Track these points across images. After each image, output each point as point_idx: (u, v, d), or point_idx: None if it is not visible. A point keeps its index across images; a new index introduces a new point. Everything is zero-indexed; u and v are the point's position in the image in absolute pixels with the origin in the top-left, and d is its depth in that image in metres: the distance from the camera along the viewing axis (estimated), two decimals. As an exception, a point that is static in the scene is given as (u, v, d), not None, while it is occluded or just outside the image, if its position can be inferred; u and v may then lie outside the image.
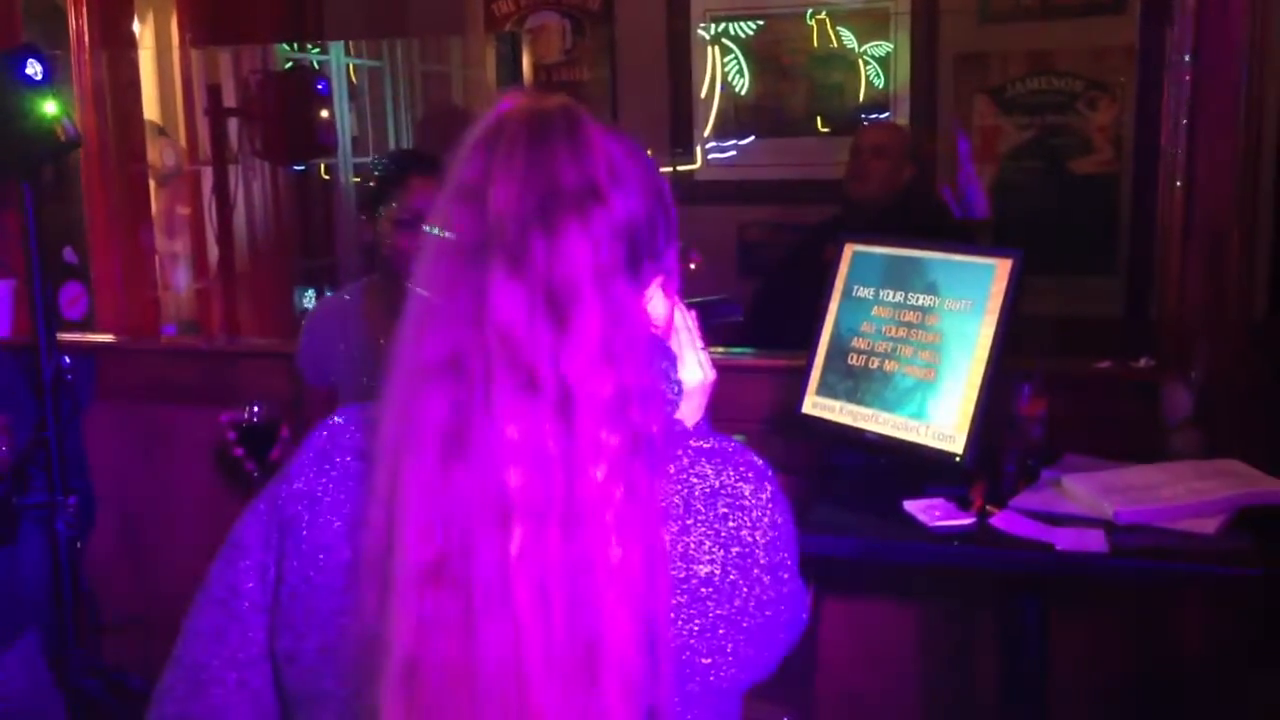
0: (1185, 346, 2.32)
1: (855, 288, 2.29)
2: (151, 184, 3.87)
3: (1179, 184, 2.37)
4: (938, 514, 1.95)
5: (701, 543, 0.97)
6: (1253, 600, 2.28)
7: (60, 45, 3.42)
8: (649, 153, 1.08)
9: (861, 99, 4.44)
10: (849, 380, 2.23)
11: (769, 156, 4.56)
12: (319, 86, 3.80)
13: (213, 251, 4.03)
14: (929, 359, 2.12)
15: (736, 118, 4.61)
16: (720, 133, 4.62)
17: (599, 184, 0.94)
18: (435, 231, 0.96)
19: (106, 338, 3.36)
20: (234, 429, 2.22)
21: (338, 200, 4.38)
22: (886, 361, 2.18)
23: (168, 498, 3.03)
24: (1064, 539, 1.84)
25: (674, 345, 1.14)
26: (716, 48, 4.58)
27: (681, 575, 0.96)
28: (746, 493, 1.00)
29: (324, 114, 3.80)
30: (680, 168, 4.60)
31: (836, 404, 2.24)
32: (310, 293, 4.27)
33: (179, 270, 4.21)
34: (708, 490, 0.99)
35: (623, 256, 0.96)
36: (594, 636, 0.88)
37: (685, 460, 1.00)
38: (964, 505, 1.97)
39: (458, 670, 0.87)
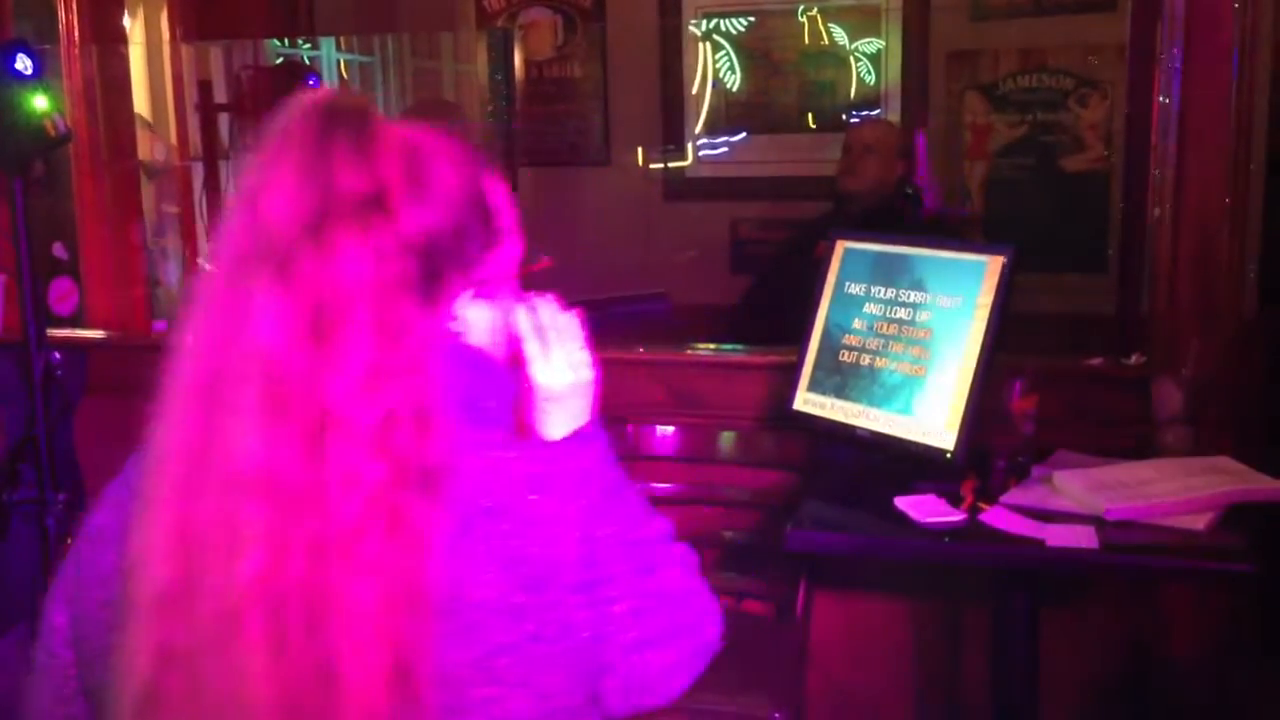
0: (1176, 343, 2.33)
1: (846, 284, 2.29)
2: (142, 179, 3.85)
3: (1169, 181, 2.38)
4: (929, 510, 1.95)
5: (474, 564, 0.92)
6: (1242, 597, 2.29)
7: (50, 40, 3.41)
8: (474, 155, 1.04)
9: (852, 96, 4.44)
10: (840, 377, 2.23)
11: (761, 153, 4.56)
12: (310, 81, 3.79)
13: (204, 247, 4.02)
14: (920, 355, 2.12)
15: (728, 114, 4.61)
16: (712, 129, 4.61)
17: (386, 192, 0.89)
18: (213, 241, 0.92)
19: (97, 334, 3.35)
20: None
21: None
22: (878, 358, 2.18)
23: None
24: (1055, 535, 1.84)
25: (532, 350, 1.09)
26: (708, 44, 4.57)
27: (450, 600, 0.91)
28: (543, 507, 0.95)
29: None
30: (672, 164, 4.60)
31: (828, 400, 2.24)
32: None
33: (169, 266, 4.20)
34: (490, 507, 0.94)
35: (415, 270, 0.91)
36: (329, 672, 0.84)
37: (474, 478, 0.95)
38: (955, 502, 1.97)
39: (187, 702, 0.85)
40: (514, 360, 1.10)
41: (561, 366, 1.10)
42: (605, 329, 1.26)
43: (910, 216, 3.37)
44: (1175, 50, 2.33)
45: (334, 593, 0.85)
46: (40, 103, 2.53)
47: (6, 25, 3.33)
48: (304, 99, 0.93)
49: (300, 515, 0.85)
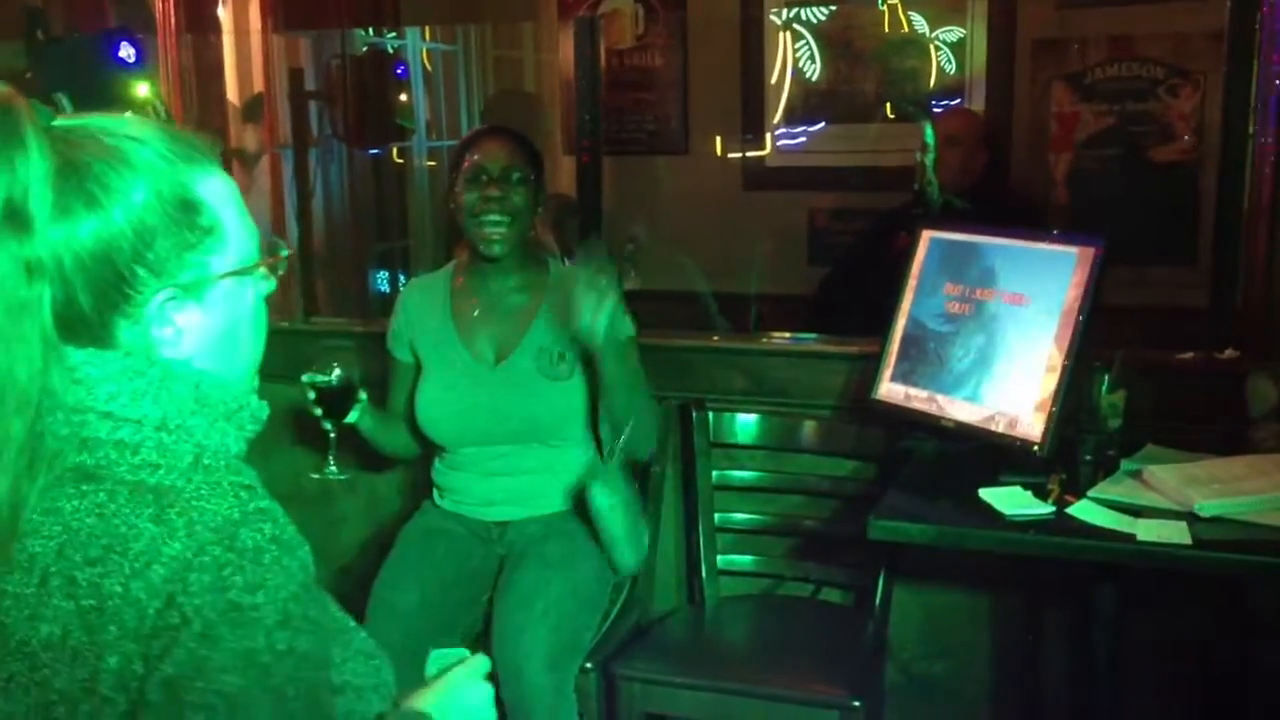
0: (1270, 338, 2.28)
1: (932, 274, 2.28)
2: (235, 166, 3.95)
3: (1266, 172, 2.33)
4: (1015, 502, 1.94)
5: (50, 596, 0.85)
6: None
7: (145, 30, 3.50)
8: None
9: (933, 85, 4.40)
10: (925, 366, 2.22)
11: (839, 143, 4.53)
12: (398, 70, 3.85)
13: (291, 232, 4.10)
14: (1007, 348, 2.11)
15: (806, 103, 4.59)
16: (790, 119, 4.60)
17: (18, 202, 0.84)
18: None
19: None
20: (313, 388, 2.28)
21: (411, 184, 4.44)
22: (963, 349, 2.17)
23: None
24: (1145, 530, 1.82)
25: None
26: (788, 33, 4.56)
27: (23, 636, 0.86)
28: (144, 538, 0.86)
29: (403, 98, 3.85)
30: (750, 153, 4.59)
31: (911, 390, 2.23)
32: (384, 275, 4.33)
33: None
34: (94, 531, 0.87)
35: (74, 280, 0.89)
36: None
37: (95, 498, 0.89)
38: (1041, 494, 1.96)
39: None
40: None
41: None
42: None
43: (1003, 210, 3.33)
44: (1275, 39, 2.28)
45: None
46: (142, 90, 2.61)
47: (105, 14, 3.43)
48: None
49: None
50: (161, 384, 0.95)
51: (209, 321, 0.98)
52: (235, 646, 0.84)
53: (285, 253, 1.06)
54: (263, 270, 1.03)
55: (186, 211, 0.95)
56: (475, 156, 2.34)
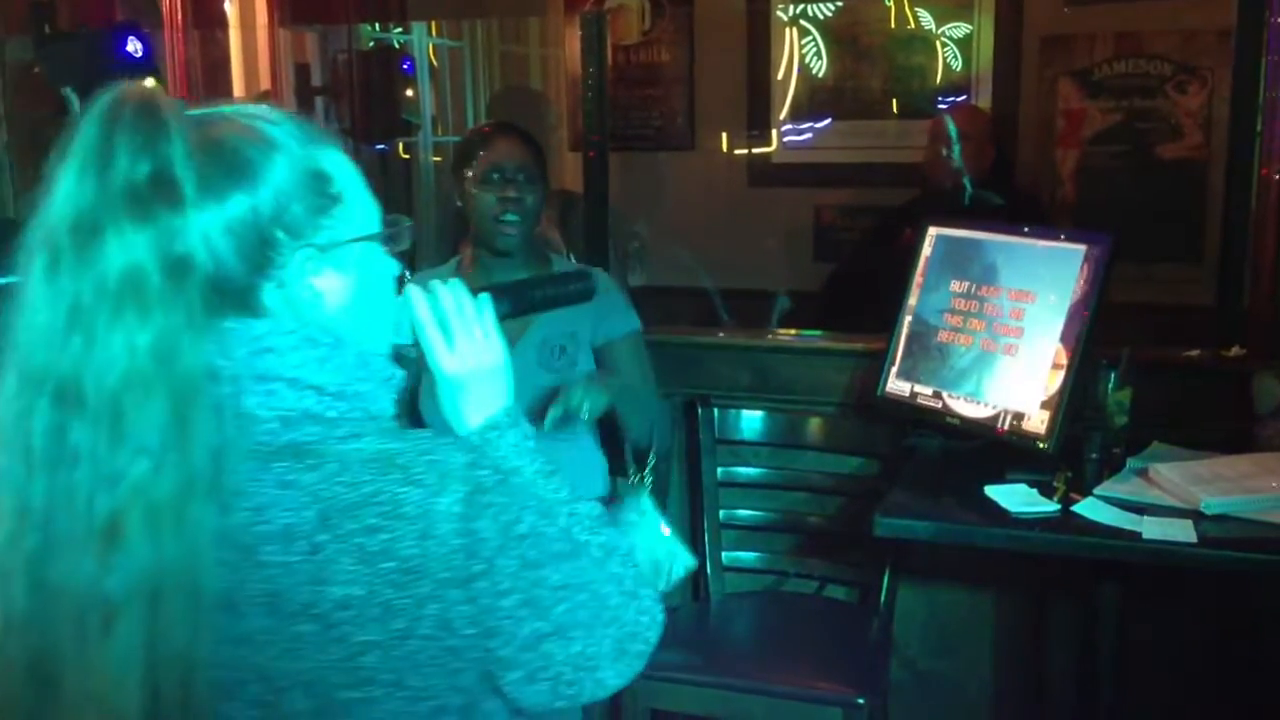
0: (1277, 336, 2.28)
1: (937, 271, 2.28)
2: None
3: (1274, 170, 2.32)
4: (1020, 500, 1.94)
5: (335, 561, 0.91)
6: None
7: (151, 26, 3.51)
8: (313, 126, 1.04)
9: (939, 81, 4.39)
10: (931, 364, 2.22)
11: (845, 139, 4.52)
12: (405, 66, 3.85)
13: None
14: (1012, 344, 2.11)
15: (813, 100, 4.58)
16: (796, 115, 4.59)
17: (169, 179, 0.89)
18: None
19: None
20: None
21: (417, 179, 4.44)
22: (969, 346, 2.17)
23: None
24: (1151, 528, 1.82)
25: (431, 336, 1.07)
26: (794, 29, 4.55)
27: (308, 600, 0.91)
28: (413, 499, 0.93)
29: (409, 93, 3.84)
30: (756, 150, 4.59)
31: (917, 387, 2.23)
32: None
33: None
34: (354, 501, 0.92)
35: (224, 248, 0.94)
36: (159, 667, 0.85)
37: (330, 469, 0.94)
38: (1047, 492, 1.96)
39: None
40: (413, 346, 1.08)
41: (465, 353, 1.08)
42: (523, 311, 1.24)
43: (1009, 207, 3.32)
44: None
45: (79, 587, 0.86)
46: (149, 85, 2.61)
47: (113, 9, 3.44)
48: (101, 94, 0.93)
49: (70, 503, 0.86)
50: (333, 350, 1.00)
51: (344, 285, 1.03)
52: (545, 563, 0.97)
53: (408, 222, 1.11)
54: (387, 236, 1.08)
55: (318, 180, 1.01)
56: (490, 155, 2.33)
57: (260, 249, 0.97)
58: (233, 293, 0.97)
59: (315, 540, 0.92)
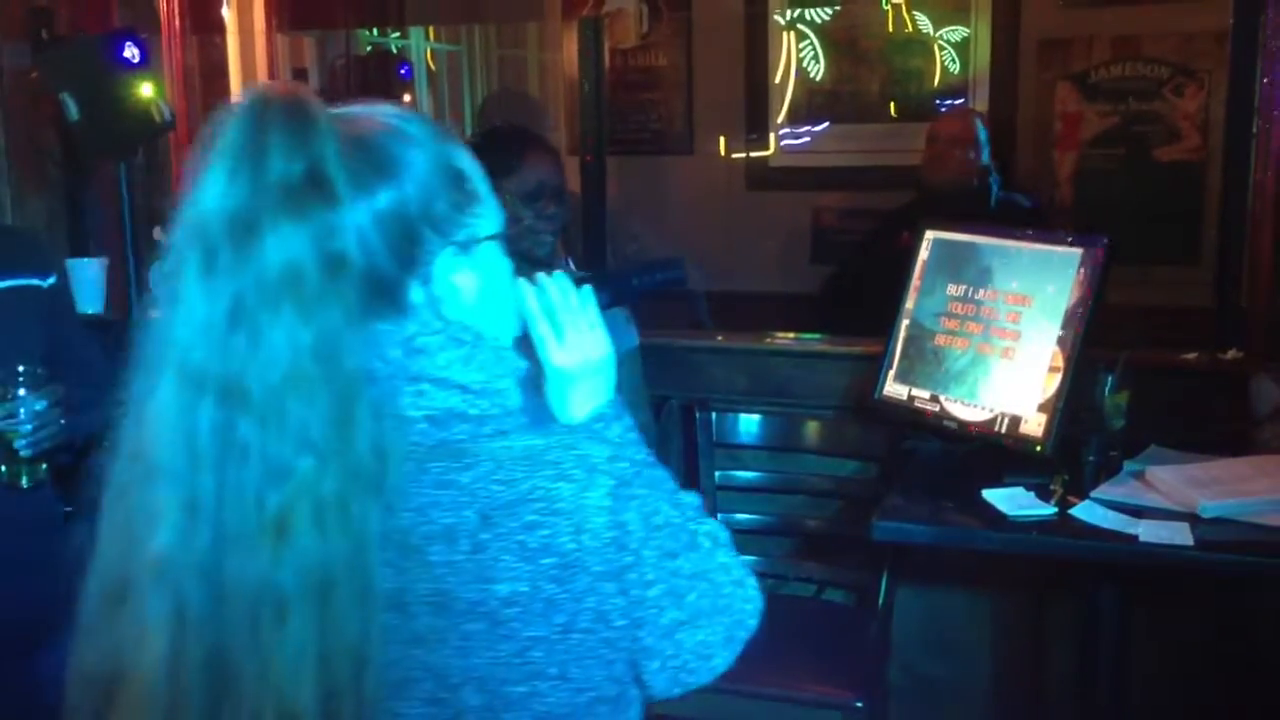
0: (1274, 338, 2.28)
1: (934, 274, 2.28)
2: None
3: (1270, 172, 2.32)
4: (1018, 503, 1.94)
5: (498, 559, 0.92)
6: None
7: (150, 29, 3.51)
8: (442, 124, 1.06)
9: (937, 84, 4.39)
10: (928, 367, 2.22)
11: (843, 143, 4.53)
12: (402, 70, 3.85)
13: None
14: (1010, 348, 2.11)
15: (811, 103, 4.58)
16: (794, 118, 4.59)
17: (323, 176, 0.89)
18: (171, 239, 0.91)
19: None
20: None
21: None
22: (966, 350, 2.17)
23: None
24: (1148, 531, 1.82)
25: (541, 330, 1.06)
26: (792, 33, 4.55)
27: (475, 598, 0.92)
28: (565, 495, 0.94)
29: (407, 98, 3.85)
30: (754, 153, 4.59)
31: (915, 391, 2.23)
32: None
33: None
34: (511, 499, 0.94)
35: (377, 245, 0.94)
36: (331, 663, 0.86)
37: (485, 467, 0.95)
38: (1045, 495, 1.96)
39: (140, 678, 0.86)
40: (526, 339, 1.08)
41: (575, 346, 1.07)
42: (621, 301, 1.23)
43: (1006, 210, 3.33)
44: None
45: (252, 580, 0.86)
46: (146, 90, 2.61)
47: (111, 15, 3.44)
48: (245, 93, 0.95)
49: (237, 501, 0.86)
50: (474, 348, 1.01)
51: (477, 283, 1.05)
52: (680, 552, 0.99)
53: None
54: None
55: (456, 177, 1.03)
56: (536, 172, 2.31)
57: (408, 245, 0.99)
58: (383, 290, 0.99)
59: (478, 539, 0.93)
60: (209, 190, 0.89)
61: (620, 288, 1.24)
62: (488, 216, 1.06)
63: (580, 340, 1.07)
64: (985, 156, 3.45)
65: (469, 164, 1.06)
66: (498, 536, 0.93)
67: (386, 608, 0.91)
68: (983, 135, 3.53)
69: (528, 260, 2.33)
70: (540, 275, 1.11)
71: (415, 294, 1.01)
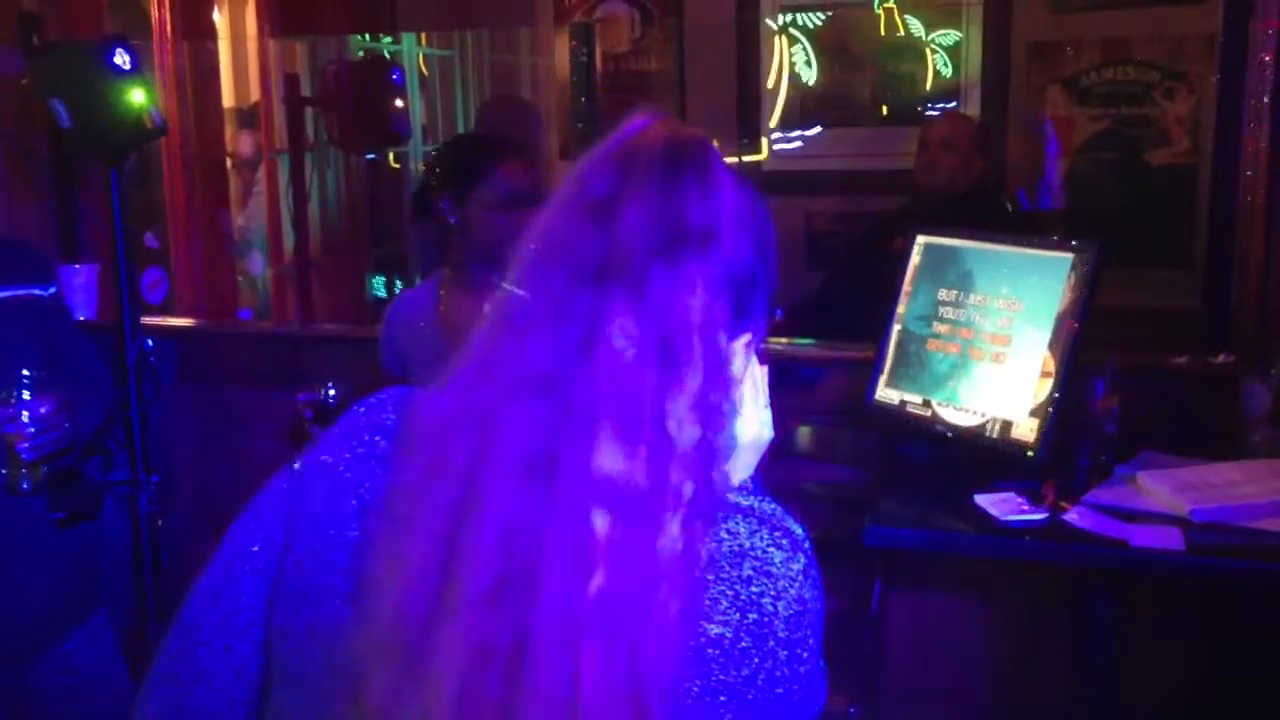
0: (1265, 342, 2.28)
1: (926, 279, 2.28)
2: (231, 171, 3.96)
3: (1259, 175, 2.33)
4: (1009, 508, 1.94)
5: (717, 601, 0.93)
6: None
7: (141, 36, 3.50)
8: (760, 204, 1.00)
9: (929, 88, 4.41)
10: (919, 372, 2.22)
11: (836, 147, 4.54)
12: (394, 76, 3.85)
13: (288, 238, 4.11)
14: (1001, 352, 2.11)
15: (803, 108, 4.59)
16: (787, 123, 4.60)
17: (721, 228, 0.90)
18: (542, 238, 0.91)
19: (186, 321, 3.45)
20: (310, 408, 2.28)
21: (407, 189, 4.44)
22: (958, 355, 2.17)
23: (245, 477, 3.10)
24: (1139, 536, 1.82)
25: (739, 399, 1.04)
26: (784, 37, 4.56)
27: (689, 632, 0.91)
28: (777, 560, 0.95)
29: (399, 103, 3.84)
30: (747, 158, 4.60)
31: (907, 396, 2.23)
32: (380, 280, 4.33)
33: (254, 256, 4.30)
34: (736, 549, 0.94)
35: (729, 306, 0.92)
36: (642, 689, 0.85)
37: (719, 514, 0.95)
38: (1036, 500, 1.96)
39: (499, 705, 0.85)
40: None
41: (754, 421, 1.06)
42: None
43: (998, 214, 3.33)
44: (1267, 43, 2.28)
45: (652, 611, 0.87)
46: (138, 96, 2.60)
47: (102, 21, 3.44)
48: (649, 125, 0.94)
49: (639, 530, 0.87)
50: None
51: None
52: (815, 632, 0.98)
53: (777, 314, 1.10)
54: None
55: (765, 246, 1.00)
56: (510, 179, 2.24)
57: (736, 314, 0.95)
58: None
59: (704, 577, 0.93)
60: (632, 218, 0.89)
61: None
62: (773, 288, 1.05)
63: (757, 417, 1.06)
64: (976, 160, 3.46)
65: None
66: (720, 579, 0.93)
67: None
68: (974, 139, 3.54)
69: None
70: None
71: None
